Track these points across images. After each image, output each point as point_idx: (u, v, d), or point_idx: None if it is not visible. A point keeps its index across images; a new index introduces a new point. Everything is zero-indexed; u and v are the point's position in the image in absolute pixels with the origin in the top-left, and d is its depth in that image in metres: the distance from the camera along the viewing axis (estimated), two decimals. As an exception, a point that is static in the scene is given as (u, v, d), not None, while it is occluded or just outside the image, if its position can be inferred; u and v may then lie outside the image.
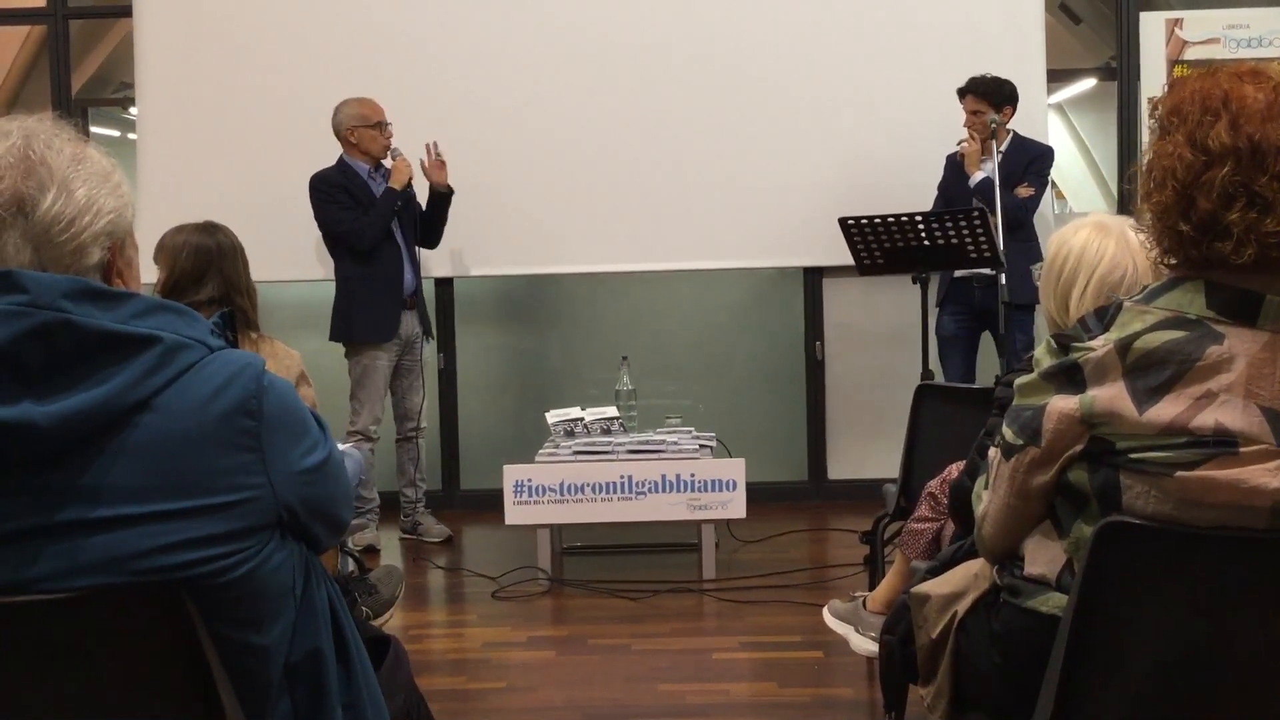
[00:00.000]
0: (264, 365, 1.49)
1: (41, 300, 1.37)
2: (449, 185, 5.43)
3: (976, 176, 5.33)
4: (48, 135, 1.49)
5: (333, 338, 5.35)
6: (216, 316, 1.56)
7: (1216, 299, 1.62)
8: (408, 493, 5.56)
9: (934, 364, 5.23)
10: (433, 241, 5.55)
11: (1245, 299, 1.61)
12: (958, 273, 5.35)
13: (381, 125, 5.31)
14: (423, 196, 5.46)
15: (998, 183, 5.10)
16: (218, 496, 1.42)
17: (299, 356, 3.30)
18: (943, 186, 5.57)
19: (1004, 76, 5.40)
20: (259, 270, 3.35)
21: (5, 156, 1.45)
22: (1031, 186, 5.38)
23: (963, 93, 5.39)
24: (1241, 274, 1.62)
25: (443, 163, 5.41)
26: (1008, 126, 5.44)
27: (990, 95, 5.33)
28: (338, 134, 5.34)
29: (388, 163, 5.35)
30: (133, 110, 6.36)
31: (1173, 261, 1.69)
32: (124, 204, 1.52)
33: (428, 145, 5.40)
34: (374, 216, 5.23)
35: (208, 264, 3.16)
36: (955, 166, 5.49)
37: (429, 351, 5.74)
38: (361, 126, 5.30)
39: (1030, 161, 5.44)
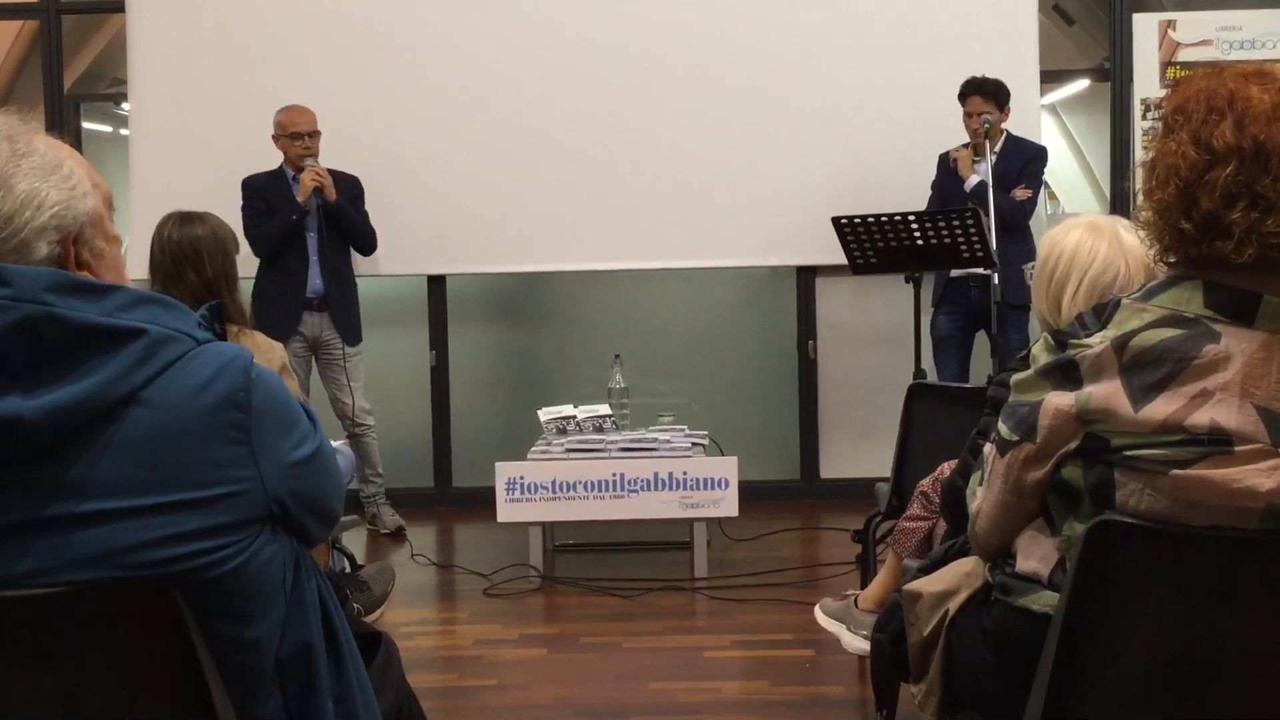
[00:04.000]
0: (252, 358, 1.47)
1: (24, 293, 1.36)
2: (332, 199, 5.35)
3: (971, 180, 5.32)
4: None
5: None
6: (205, 309, 1.54)
7: (1214, 298, 1.62)
8: (365, 489, 5.70)
9: (927, 363, 5.23)
10: (362, 248, 5.59)
11: (1243, 299, 1.61)
12: (954, 272, 5.35)
13: (298, 136, 5.34)
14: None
15: (991, 184, 5.09)
16: (207, 490, 1.41)
17: (281, 349, 3.31)
18: (937, 185, 5.56)
19: (997, 77, 5.39)
20: (249, 266, 3.34)
21: None
22: (1028, 189, 5.38)
23: (966, 94, 5.37)
24: (1240, 274, 1.62)
25: (317, 178, 5.30)
26: (1002, 126, 5.43)
27: (996, 95, 5.32)
28: None
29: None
30: (125, 106, 6.35)
31: (1172, 259, 1.69)
32: (74, 194, 1.48)
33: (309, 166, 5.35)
34: (269, 227, 5.34)
35: (182, 257, 3.16)
36: (948, 165, 5.48)
37: (421, 349, 5.76)
38: (280, 135, 5.41)
39: (1026, 162, 5.43)
